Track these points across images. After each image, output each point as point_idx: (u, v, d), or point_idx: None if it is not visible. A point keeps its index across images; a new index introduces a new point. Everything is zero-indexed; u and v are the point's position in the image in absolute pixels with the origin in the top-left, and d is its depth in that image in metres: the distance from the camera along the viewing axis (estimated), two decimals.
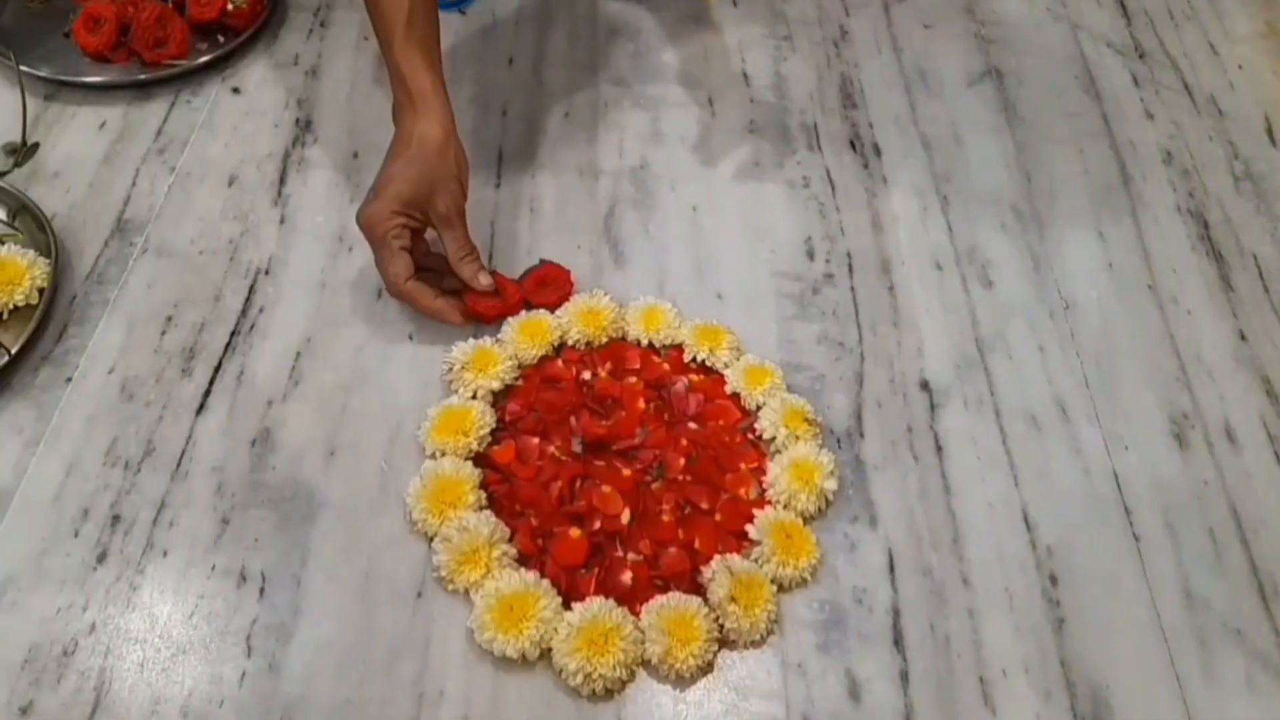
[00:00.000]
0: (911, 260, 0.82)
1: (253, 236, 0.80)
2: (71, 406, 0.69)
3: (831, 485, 0.67)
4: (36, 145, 0.85)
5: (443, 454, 0.66)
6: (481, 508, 0.64)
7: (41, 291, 0.73)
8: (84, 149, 0.85)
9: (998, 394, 0.74)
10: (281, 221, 0.81)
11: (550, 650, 0.59)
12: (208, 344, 0.73)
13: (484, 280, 0.72)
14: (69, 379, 0.70)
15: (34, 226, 0.77)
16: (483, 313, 0.74)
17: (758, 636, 0.60)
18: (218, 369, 0.71)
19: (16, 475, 0.65)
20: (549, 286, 0.76)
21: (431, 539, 0.63)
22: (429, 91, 0.70)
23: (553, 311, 0.75)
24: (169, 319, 0.74)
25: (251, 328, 0.74)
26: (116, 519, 0.64)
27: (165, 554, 0.63)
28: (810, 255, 0.82)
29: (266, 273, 0.77)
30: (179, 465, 0.67)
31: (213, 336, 0.73)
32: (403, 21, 0.70)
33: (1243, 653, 0.62)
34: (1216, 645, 0.63)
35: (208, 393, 0.70)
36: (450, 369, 0.71)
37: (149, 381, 0.71)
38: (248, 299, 0.76)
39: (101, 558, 0.62)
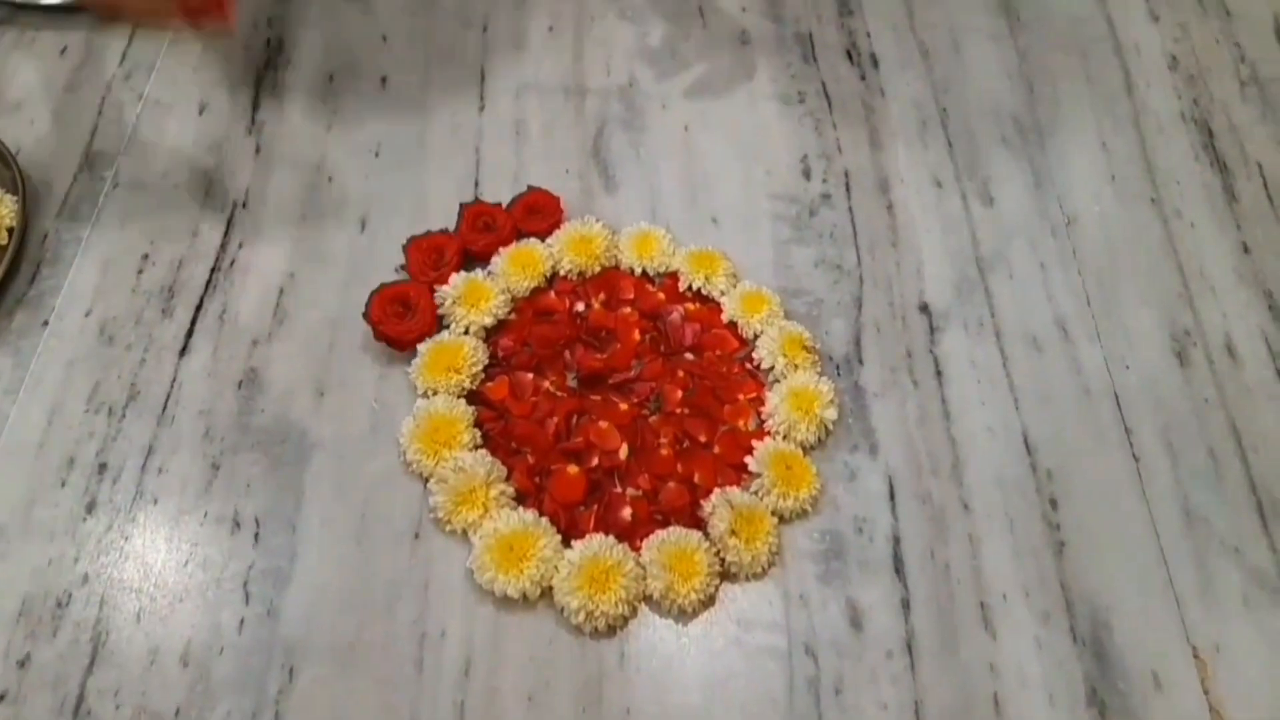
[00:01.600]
0: (910, 178, 0.79)
1: (228, 167, 0.76)
2: (50, 352, 0.67)
3: (831, 414, 0.66)
4: None
5: (435, 392, 0.64)
6: (476, 446, 0.63)
7: (11, 231, 0.70)
8: (46, 77, 0.81)
9: (998, 315, 0.73)
10: (257, 151, 0.77)
11: (551, 589, 0.58)
12: (187, 282, 0.70)
13: None
14: (45, 322, 0.68)
15: None
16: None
17: (759, 569, 0.60)
18: (199, 308, 0.69)
19: None
20: (538, 214, 0.74)
21: (427, 479, 0.62)
22: None
23: (543, 240, 0.73)
24: (145, 257, 0.71)
25: (232, 264, 0.71)
26: (104, 467, 0.63)
27: (156, 501, 0.62)
28: (806, 175, 0.79)
29: (244, 206, 0.74)
30: (165, 409, 0.65)
31: (192, 274, 0.71)
32: None
33: (1240, 570, 0.63)
34: (1214, 563, 0.63)
35: (190, 333, 0.68)
36: (441, 304, 0.68)
37: (129, 323, 0.68)
38: (226, 234, 0.73)
39: (90, 507, 0.61)
